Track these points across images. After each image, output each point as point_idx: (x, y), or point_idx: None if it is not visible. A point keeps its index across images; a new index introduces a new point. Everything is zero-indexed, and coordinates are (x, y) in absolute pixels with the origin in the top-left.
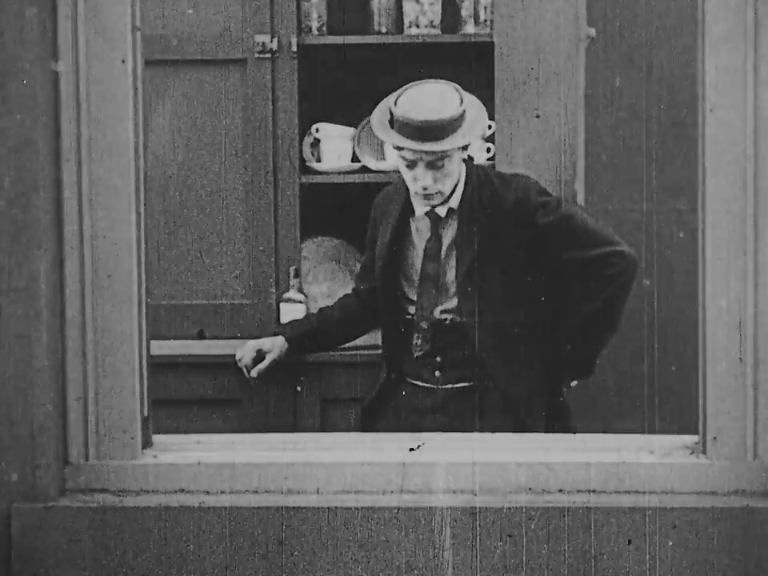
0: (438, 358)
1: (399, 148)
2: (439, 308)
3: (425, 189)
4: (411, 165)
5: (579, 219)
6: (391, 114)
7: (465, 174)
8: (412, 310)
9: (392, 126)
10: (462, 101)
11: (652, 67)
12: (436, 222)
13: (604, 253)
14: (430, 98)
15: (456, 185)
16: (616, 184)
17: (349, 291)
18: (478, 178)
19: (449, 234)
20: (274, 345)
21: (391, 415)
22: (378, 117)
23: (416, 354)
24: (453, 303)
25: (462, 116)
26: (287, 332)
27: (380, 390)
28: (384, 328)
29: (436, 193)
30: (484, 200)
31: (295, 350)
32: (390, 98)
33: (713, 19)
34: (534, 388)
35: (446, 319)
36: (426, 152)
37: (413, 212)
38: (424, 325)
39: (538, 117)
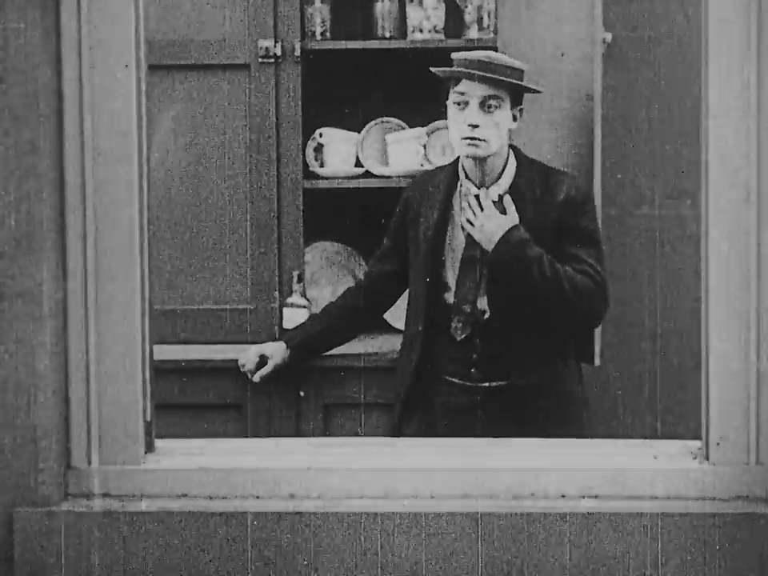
0: (476, 351)
1: (455, 83)
2: (480, 296)
3: (474, 126)
4: (463, 104)
5: (598, 235)
6: (453, 64)
7: (514, 158)
8: (449, 296)
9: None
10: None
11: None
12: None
13: (597, 270)
14: (491, 52)
15: (505, 166)
16: (628, 189)
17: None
18: (529, 166)
19: None
20: (276, 350)
21: (425, 414)
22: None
23: (458, 338)
24: (493, 292)
25: (519, 72)
26: (289, 338)
27: (411, 387)
28: (414, 316)
29: (482, 140)
30: (537, 188)
31: (297, 356)
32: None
33: (716, 25)
34: (560, 382)
35: (484, 310)
36: (483, 77)
37: (458, 192)
38: (466, 308)
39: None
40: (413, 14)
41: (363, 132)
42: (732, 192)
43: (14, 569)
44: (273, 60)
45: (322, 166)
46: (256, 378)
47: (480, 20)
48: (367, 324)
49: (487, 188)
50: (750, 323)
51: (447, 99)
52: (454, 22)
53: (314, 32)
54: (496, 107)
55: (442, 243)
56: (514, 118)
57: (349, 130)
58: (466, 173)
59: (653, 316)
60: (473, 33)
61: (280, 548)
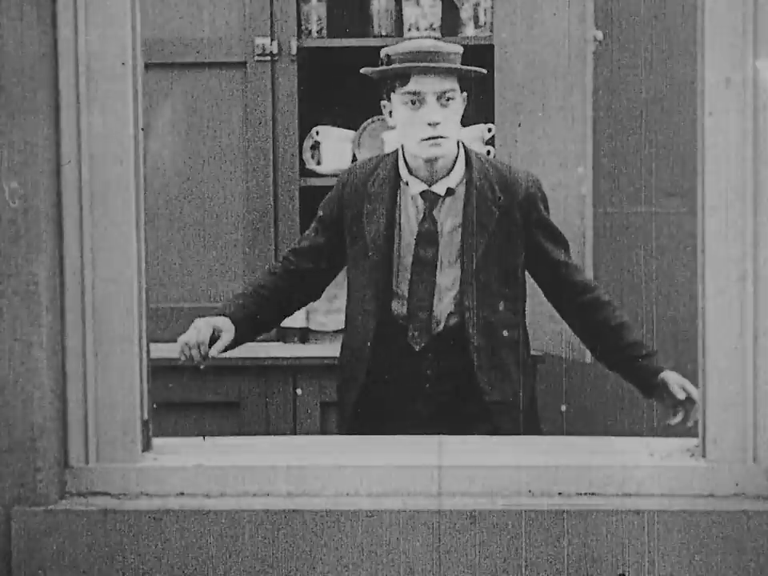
0: (433, 364)
1: (402, 81)
2: (438, 300)
3: (437, 123)
4: (419, 101)
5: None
6: (387, 60)
7: (463, 153)
8: (400, 304)
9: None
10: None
11: (660, 69)
12: (432, 201)
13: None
14: (429, 39)
15: (455, 161)
16: (620, 187)
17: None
18: (479, 160)
19: (448, 217)
20: (226, 325)
21: (378, 423)
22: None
23: (417, 348)
24: (451, 297)
25: (458, 55)
26: (231, 313)
27: (360, 395)
28: (361, 327)
29: (444, 137)
30: (493, 183)
31: (240, 335)
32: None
33: (711, 23)
34: (517, 392)
35: (441, 318)
36: (438, 69)
37: (401, 191)
38: (422, 315)
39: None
40: (409, 11)
41: (360, 130)
42: (728, 190)
43: (12, 567)
44: (269, 58)
45: (318, 163)
46: (213, 352)
47: (476, 18)
48: (297, 309)
49: (431, 184)
50: (746, 321)
51: (386, 100)
52: (451, 19)
53: (311, 30)
54: (451, 99)
55: (390, 247)
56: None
57: (345, 127)
58: (409, 168)
59: (648, 314)
60: (469, 31)
61: (278, 546)
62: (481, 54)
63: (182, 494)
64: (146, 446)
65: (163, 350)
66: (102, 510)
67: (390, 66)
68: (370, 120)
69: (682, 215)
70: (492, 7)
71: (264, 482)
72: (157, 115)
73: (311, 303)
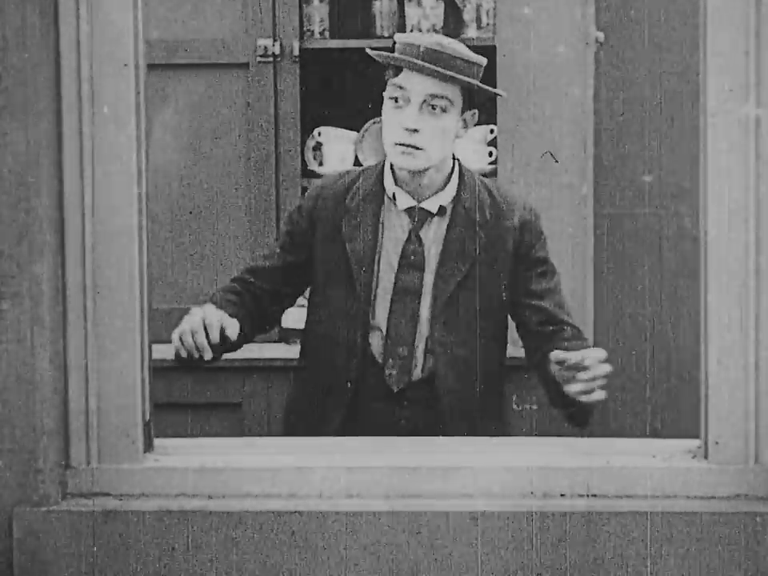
0: (410, 408)
1: (394, 72)
2: (420, 336)
3: (414, 130)
4: (402, 101)
5: (561, 285)
6: (392, 46)
7: (458, 172)
8: (377, 336)
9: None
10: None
11: (661, 71)
12: (420, 219)
13: (579, 328)
14: (444, 37)
15: (447, 182)
16: (621, 188)
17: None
18: (473, 180)
19: (435, 240)
20: (232, 323)
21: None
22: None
23: (395, 389)
24: (430, 326)
25: (477, 67)
26: (231, 313)
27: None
28: (331, 360)
29: (419, 148)
30: (484, 206)
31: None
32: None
33: (714, 24)
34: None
35: (426, 356)
36: (429, 69)
37: (385, 205)
38: (402, 351)
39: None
40: (411, 12)
41: (362, 131)
42: (731, 191)
43: (14, 568)
44: (271, 59)
45: (320, 164)
46: (231, 335)
47: (479, 19)
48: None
49: (420, 200)
50: (748, 322)
51: (384, 91)
52: (453, 20)
53: (313, 31)
54: (442, 109)
55: (370, 270)
56: (464, 125)
57: (347, 128)
58: (395, 178)
59: (650, 315)
60: (471, 32)
61: (279, 547)
62: (483, 55)
63: (184, 494)
64: (148, 447)
65: (165, 351)
66: (103, 511)
67: (384, 52)
68: (371, 121)
69: (684, 216)
70: (494, 8)
71: (266, 483)
72: (159, 116)
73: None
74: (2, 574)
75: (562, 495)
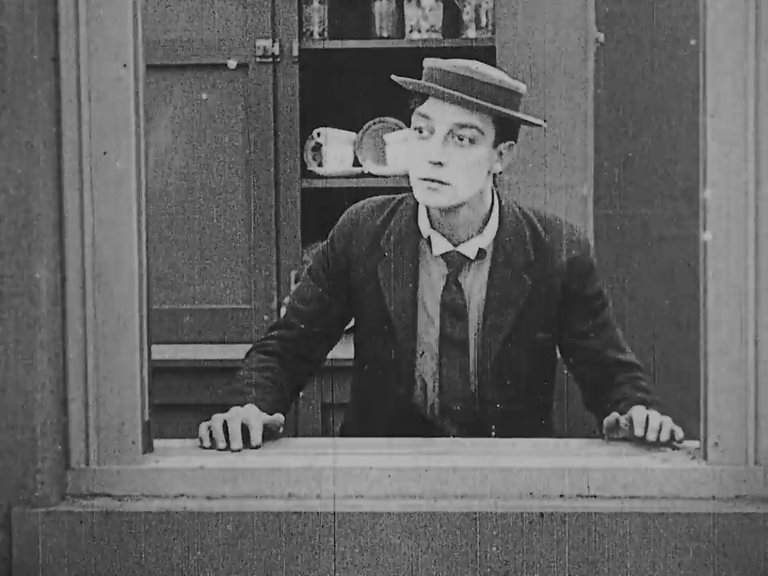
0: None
1: (420, 100)
2: (475, 389)
3: (438, 163)
4: (426, 131)
5: (611, 314)
6: (425, 71)
7: (497, 209)
8: (426, 393)
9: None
10: (520, 84)
11: (661, 71)
12: (458, 265)
13: (633, 362)
14: (475, 62)
15: (487, 220)
16: (622, 189)
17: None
18: (514, 214)
19: (474, 285)
20: (253, 413)
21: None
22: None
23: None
24: (479, 382)
25: (514, 95)
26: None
27: None
28: (376, 415)
29: (445, 183)
30: (527, 244)
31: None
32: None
33: (714, 24)
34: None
35: (481, 403)
36: (452, 97)
37: (422, 249)
38: (456, 407)
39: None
40: (411, 13)
41: (361, 132)
42: (730, 191)
43: (13, 569)
44: (271, 60)
45: (320, 165)
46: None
47: (478, 19)
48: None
49: (457, 243)
50: (747, 323)
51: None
52: (452, 21)
53: (312, 32)
54: (470, 140)
55: (413, 322)
56: (500, 158)
57: (347, 129)
58: (431, 220)
59: (649, 316)
60: (471, 32)
61: (279, 548)
62: (483, 55)
63: (183, 495)
64: (147, 448)
65: (164, 352)
66: (102, 512)
67: (409, 79)
68: (371, 122)
69: (684, 217)
70: (494, 9)
71: (265, 484)
72: (158, 117)
73: None
74: (2, 574)
75: (561, 496)
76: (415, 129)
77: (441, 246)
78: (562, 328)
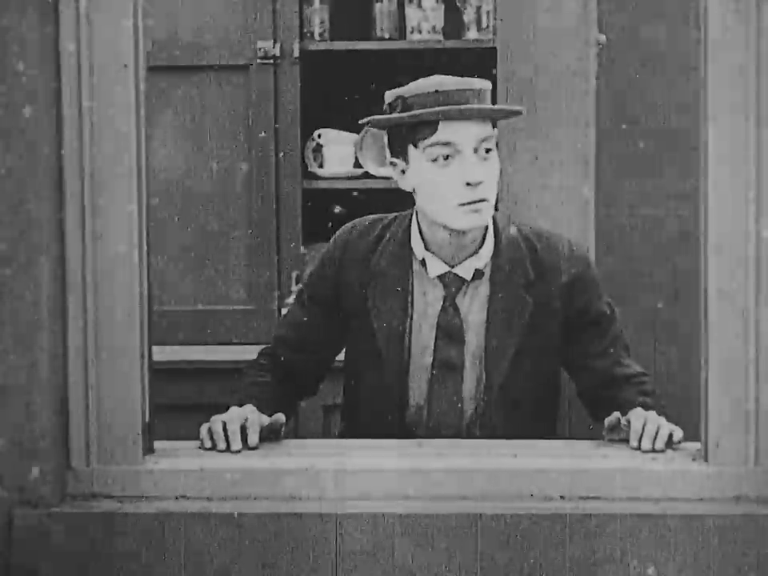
0: None
1: (428, 132)
2: (469, 418)
3: (479, 183)
4: (451, 154)
5: (617, 327)
6: (402, 104)
7: (493, 226)
8: (415, 416)
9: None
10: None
11: (662, 72)
12: (455, 286)
13: (639, 372)
14: (445, 77)
15: (485, 234)
16: (624, 190)
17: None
18: (512, 234)
19: (472, 307)
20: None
21: None
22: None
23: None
24: (473, 409)
25: (487, 93)
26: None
27: None
28: (361, 429)
29: (486, 200)
30: (526, 264)
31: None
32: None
33: (714, 25)
34: None
35: (476, 428)
36: (474, 112)
37: (414, 272)
38: (446, 433)
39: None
40: (411, 14)
41: (362, 133)
42: (731, 192)
43: (13, 570)
44: (272, 61)
45: (321, 166)
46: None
47: (479, 21)
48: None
49: (454, 265)
50: (749, 324)
51: (398, 157)
52: (453, 22)
53: (313, 33)
54: (490, 150)
55: (402, 346)
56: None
57: (348, 130)
58: (426, 243)
59: (651, 317)
60: (472, 33)
61: (279, 549)
62: (483, 56)
63: (184, 497)
64: (148, 449)
65: (165, 353)
66: (103, 513)
67: (411, 113)
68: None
69: (685, 217)
70: (495, 10)
71: (265, 485)
72: (159, 118)
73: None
74: (2, 575)
75: (562, 497)
76: (432, 160)
77: (437, 267)
78: (568, 348)
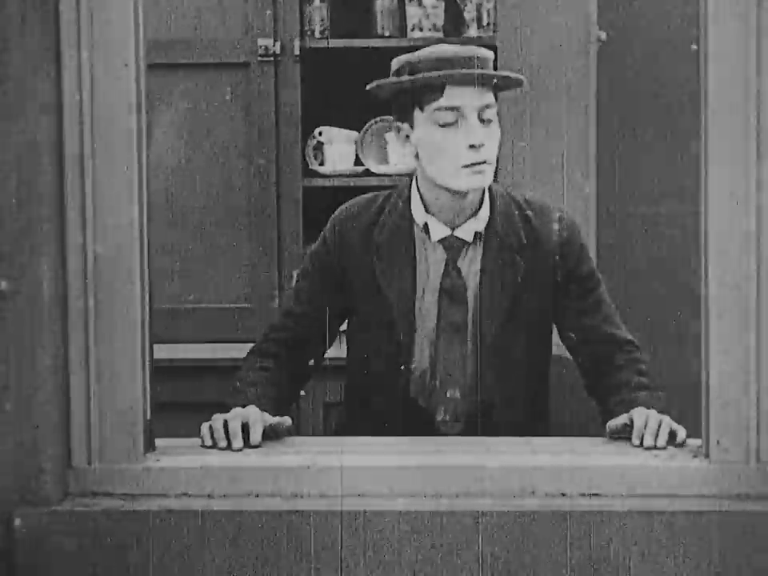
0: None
1: (435, 95)
2: (471, 377)
3: (481, 145)
4: (456, 118)
5: (605, 292)
6: (409, 69)
7: (488, 189)
8: (421, 379)
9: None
10: None
11: (662, 68)
12: (456, 249)
13: (630, 339)
14: (451, 45)
15: (483, 198)
16: (624, 187)
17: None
18: (503, 198)
19: (471, 269)
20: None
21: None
22: (389, 89)
23: (451, 434)
24: (477, 367)
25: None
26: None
27: None
28: (374, 408)
29: (488, 164)
30: (518, 228)
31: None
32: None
33: (715, 22)
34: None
35: (484, 397)
36: (478, 79)
37: (416, 237)
38: (452, 394)
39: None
40: (412, 12)
41: (363, 130)
42: (731, 190)
43: (15, 568)
44: (272, 59)
45: (321, 164)
46: (255, 439)
47: (479, 18)
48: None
49: (454, 227)
50: (749, 321)
51: (405, 121)
52: (454, 20)
53: (314, 30)
54: (491, 118)
55: (412, 311)
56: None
57: (348, 128)
58: (427, 207)
59: (651, 315)
60: (472, 31)
61: (280, 547)
62: None
63: (185, 494)
64: (149, 447)
65: (166, 351)
66: (104, 511)
67: (419, 75)
68: (372, 120)
69: (686, 216)
70: (495, 8)
71: (267, 483)
72: (159, 116)
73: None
74: (4, 574)
75: (563, 494)
76: (437, 123)
77: (439, 231)
78: (558, 309)
